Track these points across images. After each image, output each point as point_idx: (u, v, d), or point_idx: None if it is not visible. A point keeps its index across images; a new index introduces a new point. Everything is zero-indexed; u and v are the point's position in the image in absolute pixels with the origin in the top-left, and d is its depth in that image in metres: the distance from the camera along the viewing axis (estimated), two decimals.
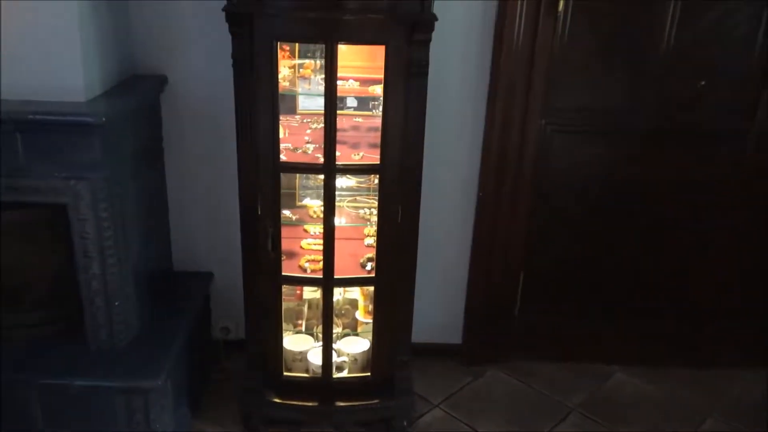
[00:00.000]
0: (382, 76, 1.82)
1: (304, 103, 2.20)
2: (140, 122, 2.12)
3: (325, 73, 1.78)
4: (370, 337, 2.15)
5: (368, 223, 2.21)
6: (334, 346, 2.16)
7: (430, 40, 1.80)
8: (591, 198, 2.46)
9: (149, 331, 2.12)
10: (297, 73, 2.05)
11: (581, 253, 2.54)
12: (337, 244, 1.97)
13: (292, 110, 2.21)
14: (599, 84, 2.31)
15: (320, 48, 1.93)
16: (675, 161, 2.41)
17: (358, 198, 2.27)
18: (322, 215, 1.97)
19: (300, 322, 2.33)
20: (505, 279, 2.52)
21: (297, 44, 2.03)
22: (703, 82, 2.30)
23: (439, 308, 2.56)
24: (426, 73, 1.83)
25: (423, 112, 1.88)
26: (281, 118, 1.89)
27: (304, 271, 2.08)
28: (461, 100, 2.30)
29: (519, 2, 2.13)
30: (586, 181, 2.45)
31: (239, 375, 2.28)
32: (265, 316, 2.08)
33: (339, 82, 1.82)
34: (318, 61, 2.01)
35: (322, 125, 1.84)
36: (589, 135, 2.39)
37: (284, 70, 2.00)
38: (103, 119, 1.77)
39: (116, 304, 1.99)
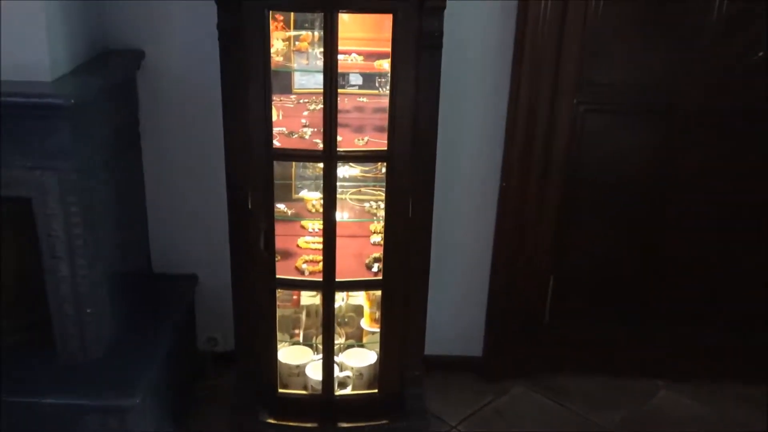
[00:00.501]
0: (389, 49, 1.79)
1: (300, 81, 2.19)
2: (114, 103, 2.10)
3: (325, 47, 1.76)
4: (378, 349, 2.14)
5: (374, 218, 2.21)
6: (336, 359, 2.15)
7: (444, 6, 1.77)
8: (631, 189, 2.43)
9: (126, 341, 2.10)
10: (292, 46, 2.03)
11: (620, 252, 2.50)
12: (339, 242, 1.95)
13: (287, 89, 2.20)
14: (640, 57, 2.28)
15: (319, 17, 1.90)
16: (729, 146, 2.37)
17: (362, 189, 2.26)
18: (321, 209, 1.95)
19: (297, 331, 2.32)
20: (532, 282, 2.50)
21: (292, 13, 2.01)
22: (761, 53, 2.25)
23: (456, 316, 2.56)
24: (440, 46, 1.81)
25: (437, 91, 1.85)
26: (274, 98, 1.87)
27: (302, 273, 2.07)
28: (481, 76, 2.27)
29: None
30: (626, 169, 2.41)
31: (229, 392, 2.27)
32: (258, 325, 2.07)
33: (340, 57, 1.80)
34: (316, 33, 2.00)
35: (321, 106, 1.82)
36: (629, 116, 2.36)
37: (278, 44, 1.99)
38: (72, 101, 1.75)
39: (88, 311, 1.97)
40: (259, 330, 2.07)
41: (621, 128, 2.38)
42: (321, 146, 1.87)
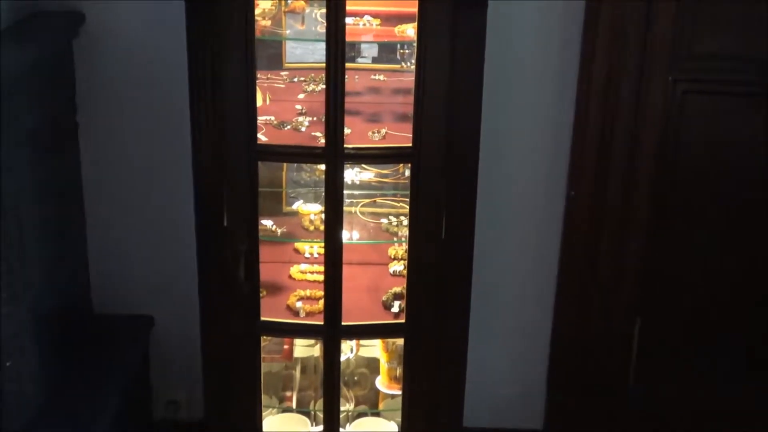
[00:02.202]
0: (415, 9, 1.80)
1: (294, 53, 2.21)
2: (43, 83, 2.11)
3: (328, 6, 1.77)
4: (399, 419, 2.14)
5: (395, 239, 2.21)
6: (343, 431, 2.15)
7: None
8: (749, 196, 2.42)
9: (58, 405, 2.10)
10: (284, 6, 2.05)
11: (736, 284, 2.48)
12: (346, 271, 1.96)
13: (277, 64, 2.21)
14: (761, 18, 2.28)
15: None
16: None
17: (379, 200, 2.27)
18: (322, 227, 1.96)
19: (289, 394, 2.32)
20: (611, 327, 2.49)
21: None
22: None
23: (507, 374, 2.55)
24: (484, 4, 1.82)
25: (480, 65, 1.87)
26: (260, 75, 1.89)
27: (296, 314, 2.08)
28: (540, 47, 2.28)
29: None
30: (740, 170, 2.40)
31: None
32: (235, 385, 2.07)
33: (349, 20, 1.81)
34: None
35: (323, 86, 1.83)
36: (745, 98, 2.36)
37: (264, 3, 2.00)
38: None
39: (6, 364, 1.97)
40: (237, 392, 2.08)
41: (733, 114, 2.37)
42: (322, 141, 1.88)
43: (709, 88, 2.36)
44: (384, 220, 2.24)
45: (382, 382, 2.27)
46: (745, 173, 2.43)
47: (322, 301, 2.00)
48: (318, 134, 1.94)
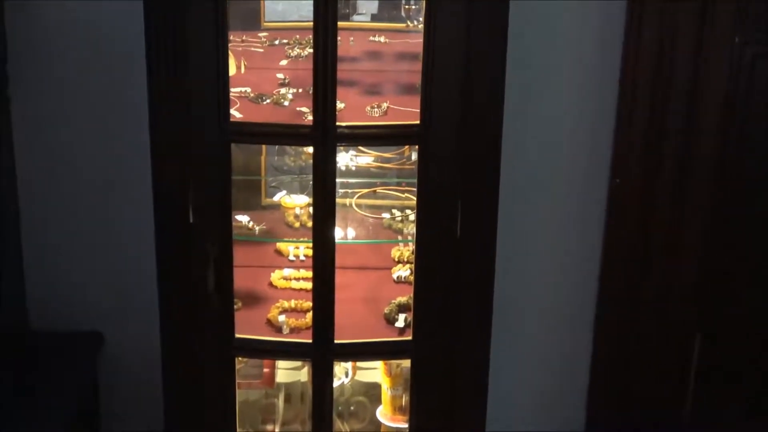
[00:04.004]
0: None
1: (274, 9, 2.22)
2: None
3: None
4: None
5: (399, 237, 2.21)
6: None
7: None
8: None
9: None
10: None
11: None
12: (340, 278, 1.94)
13: (254, 23, 2.22)
14: None
15: None
16: None
17: (379, 189, 2.28)
18: (310, 223, 1.96)
19: (271, 427, 2.33)
20: (663, 343, 2.48)
21: None
22: None
23: (537, 403, 2.58)
24: None
25: (503, 25, 1.84)
26: (233, 37, 1.88)
27: (278, 330, 2.06)
28: (584, 15, 2.31)
29: None
30: None
31: None
32: (205, 418, 2.06)
33: None
34: None
35: (310, 51, 1.83)
36: None
37: None
38: None
39: None
40: (206, 425, 2.07)
41: None
42: (310, 118, 1.86)
43: None
44: (386, 215, 2.24)
45: (384, 413, 2.26)
46: None
47: (310, 315, 2.00)
48: (304, 110, 1.93)
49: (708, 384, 2.56)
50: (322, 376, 2.01)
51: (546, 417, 2.59)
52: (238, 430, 2.09)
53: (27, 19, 2.27)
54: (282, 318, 2.06)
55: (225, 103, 1.85)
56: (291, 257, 2.24)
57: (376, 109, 1.97)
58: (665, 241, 2.44)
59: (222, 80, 1.84)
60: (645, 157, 2.37)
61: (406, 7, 2.08)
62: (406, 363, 2.09)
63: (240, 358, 2.07)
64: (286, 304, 2.11)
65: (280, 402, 2.34)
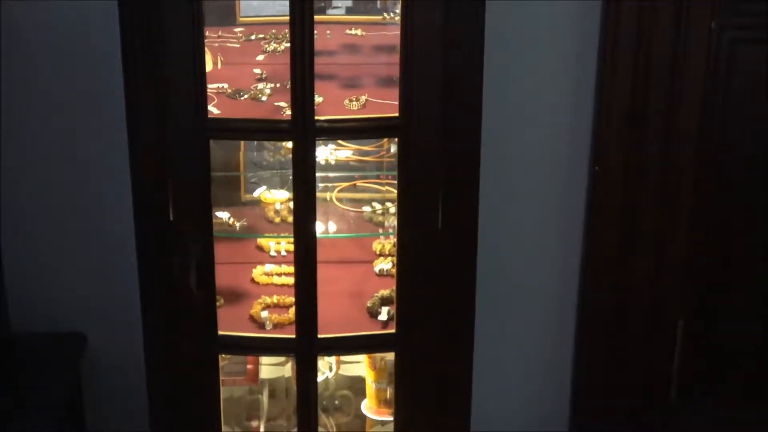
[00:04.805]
0: None
1: (250, 5, 2.23)
2: None
3: None
4: None
5: (381, 230, 2.22)
6: None
7: None
8: None
9: None
10: None
11: None
12: (322, 272, 1.95)
13: (230, 18, 2.22)
14: None
15: None
16: None
17: (359, 183, 2.28)
18: (291, 218, 1.96)
19: (256, 423, 2.34)
20: (647, 332, 2.50)
21: None
22: None
23: (521, 391, 2.58)
24: None
25: (481, 13, 1.85)
26: (209, 33, 1.89)
27: (261, 326, 2.07)
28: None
29: None
30: None
31: None
32: (189, 415, 2.07)
33: None
34: None
35: (287, 45, 1.83)
36: None
37: None
38: None
39: None
40: (191, 423, 2.08)
41: None
42: (288, 113, 1.87)
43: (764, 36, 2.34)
44: (367, 208, 2.25)
45: (369, 407, 2.28)
46: None
47: (293, 310, 2.00)
48: (283, 104, 1.94)
49: (693, 375, 2.57)
50: (306, 371, 2.02)
51: (530, 402, 2.61)
52: (223, 427, 2.09)
53: (7, 20, 2.27)
54: (265, 314, 2.07)
55: (202, 99, 1.85)
56: (272, 253, 2.24)
57: (354, 103, 1.97)
58: (648, 228, 2.44)
59: (199, 76, 1.84)
60: (625, 145, 2.37)
61: (383, 0, 2.11)
62: (390, 356, 2.10)
63: (223, 356, 2.08)
64: (268, 300, 2.12)
65: (265, 398, 2.34)
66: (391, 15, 2.04)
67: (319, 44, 1.81)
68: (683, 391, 2.58)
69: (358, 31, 2.15)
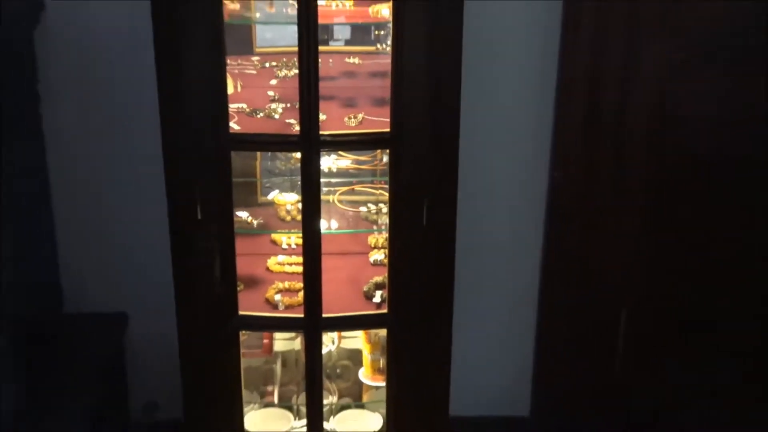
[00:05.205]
0: None
1: (264, 37, 2.21)
2: (4, 73, 2.09)
3: None
4: (383, 411, 2.14)
5: (375, 227, 2.21)
6: (327, 425, 2.14)
7: None
8: (752, 175, 2.33)
9: (27, 416, 2.06)
10: None
11: (737, 268, 2.42)
12: (325, 262, 1.94)
13: (247, 48, 2.21)
14: None
15: None
16: None
17: (357, 187, 2.27)
18: (299, 217, 1.96)
19: (270, 389, 2.32)
20: (597, 315, 2.47)
21: None
22: None
23: (493, 363, 2.57)
24: None
25: (458, 43, 1.83)
26: (230, 61, 1.86)
27: (275, 307, 2.05)
28: (521, 18, 2.29)
29: None
30: (744, 146, 2.31)
31: None
32: (215, 382, 2.05)
33: (321, 1, 1.82)
34: None
35: (296, 71, 1.81)
36: (744, 69, 2.25)
37: None
38: None
39: None
40: (217, 389, 2.06)
41: (735, 89, 2.26)
42: (297, 128, 1.86)
43: (704, 60, 2.27)
44: (363, 208, 2.24)
45: (365, 374, 2.27)
46: (748, 150, 2.34)
47: (301, 293, 1.99)
48: (292, 121, 1.93)
49: (636, 344, 2.52)
50: (312, 345, 2.02)
51: (501, 369, 2.60)
52: (243, 392, 2.09)
53: (53, 45, 2.26)
54: (278, 297, 2.07)
55: (225, 117, 1.86)
56: (284, 246, 2.23)
57: (352, 120, 1.97)
58: (600, 225, 2.41)
59: (221, 98, 1.84)
60: (582, 151, 2.34)
61: (376, 32, 2.07)
62: (383, 332, 2.09)
63: (243, 332, 2.06)
64: (280, 286, 2.11)
65: (278, 367, 2.34)
66: (384, 46, 2.02)
67: (322, 71, 1.81)
68: (627, 367, 2.53)
69: (356, 60, 2.15)
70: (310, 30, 1.76)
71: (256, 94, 2.11)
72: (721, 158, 2.35)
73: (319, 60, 1.78)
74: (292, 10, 1.79)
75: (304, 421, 2.12)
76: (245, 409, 2.12)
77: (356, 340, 2.32)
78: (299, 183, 1.91)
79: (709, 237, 2.42)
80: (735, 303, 2.46)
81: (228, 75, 1.85)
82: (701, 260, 2.43)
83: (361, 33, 2.10)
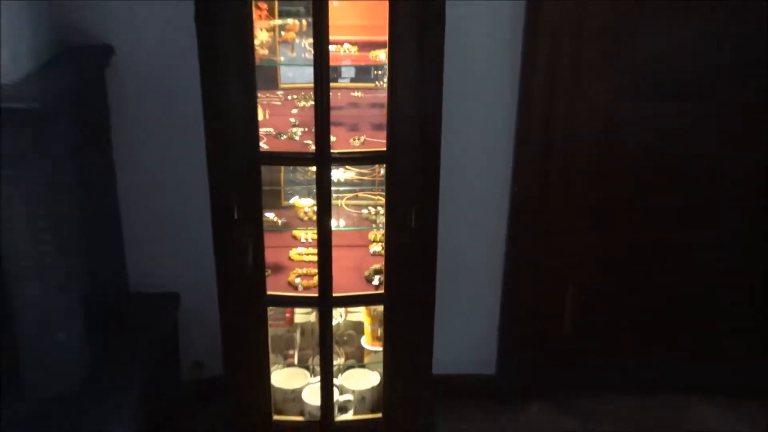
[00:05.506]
0: (385, 38, 1.79)
1: (287, 75, 2.20)
2: (82, 106, 2.10)
3: (314, 36, 1.75)
4: (381, 370, 2.14)
5: (374, 225, 2.20)
6: (336, 381, 2.15)
7: None
8: (672, 186, 2.40)
9: (101, 372, 2.09)
10: (278, 37, 2.03)
11: (655, 260, 2.49)
12: (335, 253, 1.95)
13: (274, 84, 2.20)
14: (683, 31, 2.22)
15: (305, 4, 1.92)
16: None
17: (360, 194, 2.26)
18: (314, 217, 1.95)
19: (291, 352, 2.32)
20: (549, 294, 2.50)
21: (276, 0, 2.02)
22: None
23: (466, 331, 2.56)
24: (443, 30, 1.81)
25: (440, 81, 1.85)
26: (259, 94, 1.87)
27: (295, 288, 2.07)
28: (490, 62, 2.28)
29: None
30: (668, 165, 2.36)
31: (218, 421, 2.26)
32: (248, 347, 2.06)
33: (332, 47, 1.80)
34: (304, 21, 2.00)
35: (312, 103, 1.82)
36: (667, 102, 2.30)
37: (261, 34, 1.98)
38: (36, 105, 1.75)
39: (59, 338, 1.96)
40: (249, 352, 2.07)
41: (659, 117, 2.31)
42: (312, 147, 1.86)
43: (635, 94, 2.31)
44: (365, 211, 2.23)
45: (366, 341, 2.27)
46: (673, 165, 2.38)
47: (316, 278, 2.00)
48: (309, 142, 1.93)
49: (580, 315, 2.57)
50: (325, 318, 2.02)
51: (473, 336, 2.58)
52: (270, 354, 2.10)
53: (121, 82, 2.26)
54: (297, 280, 2.08)
55: (256, 138, 1.87)
56: (303, 240, 2.24)
57: (356, 141, 1.98)
58: (552, 224, 2.43)
59: (253, 124, 1.85)
60: (538, 169, 2.34)
61: (375, 72, 2.07)
62: (380, 308, 2.10)
63: (270, 308, 2.07)
64: (300, 271, 2.12)
65: (298, 336, 2.33)
66: (381, 83, 2.03)
67: (333, 102, 1.81)
68: (573, 332, 2.59)
69: (359, 93, 2.14)
70: (323, 70, 1.77)
71: (280, 120, 2.10)
72: (648, 171, 2.39)
73: (330, 93, 1.79)
74: (309, 55, 1.81)
75: (318, 378, 2.12)
76: (272, 368, 2.13)
77: (359, 314, 2.31)
78: (314, 190, 1.91)
79: (636, 233, 2.48)
80: (652, 279, 2.52)
81: (258, 105, 1.86)
82: (630, 250, 2.50)
83: (363, 73, 2.09)
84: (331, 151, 1.86)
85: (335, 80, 2.03)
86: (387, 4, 1.75)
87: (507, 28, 2.24)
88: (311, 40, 1.77)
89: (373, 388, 2.19)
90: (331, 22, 1.74)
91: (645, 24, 2.22)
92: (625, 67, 2.26)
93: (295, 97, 2.19)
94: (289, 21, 2.02)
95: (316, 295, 2.00)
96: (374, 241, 2.22)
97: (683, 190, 2.41)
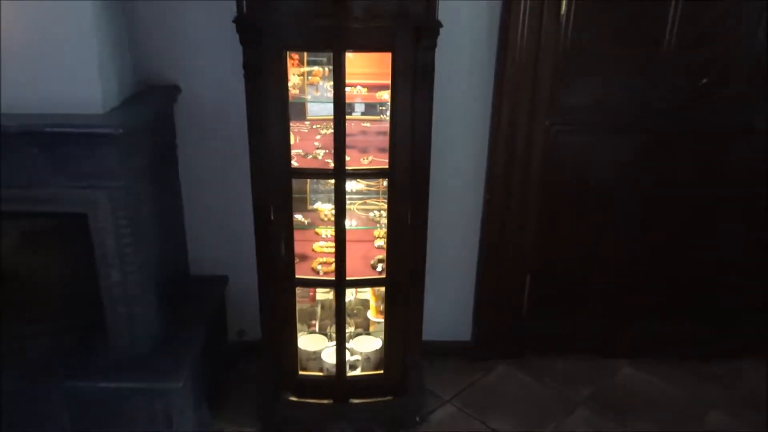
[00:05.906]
0: (389, 82, 1.80)
1: (313, 109, 2.20)
2: (155, 131, 2.11)
3: (334, 80, 1.76)
4: (382, 336, 2.14)
5: (378, 225, 2.20)
6: (347, 345, 2.15)
7: (435, 45, 1.78)
8: (600, 198, 2.41)
9: (168, 335, 2.10)
10: (306, 80, 2.03)
11: (590, 252, 2.49)
12: (348, 246, 1.96)
13: (302, 116, 2.20)
14: (605, 83, 2.27)
15: (328, 55, 1.92)
16: (684, 160, 2.35)
17: (368, 201, 2.26)
18: (333, 218, 1.96)
19: (314, 322, 2.32)
20: (512, 278, 2.49)
21: (305, 53, 2.02)
22: (705, 80, 2.25)
23: (448, 307, 2.54)
24: (432, 78, 1.81)
25: (429, 116, 1.86)
26: (291, 124, 1.87)
27: (317, 273, 2.07)
28: (467, 102, 2.27)
29: (522, 4, 2.09)
30: (595, 181, 2.39)
31: (256, 375, 2.27)
32: (280, 318, 2.06)
33: (347, 89, 1.81)
34: (326, 68, 2.00)
35: (332, 131, 1.82)
36: (595, 135, 2.35)
37: (293, 78, 1.99)
38: (121, 131, 1.77)
39: (137, 310, 1.98)
40: (281, 322, 2.08)
41: (588, 146, 2.36)
42: (332, 165, 1.87)
43: (572, 130, 2.34)
44: (371, 214, 2.24)
45: (371, 314, 2.27)
46: (597, 180, 2.40)
47: (333, 265, 2.00)
48: (329, 161, 1.94)
49: (536, 296, 2.55)
50: (339, 296, 2.04)
51: (453, 311, 2.54)
52: (297, 323, 2.10)
53: (186, 114, 2.26)
54: (319, 267, 2.09)
55: (288, 157, 1.87)
56: (323, 236, 2.23)
57: (365, 160, 2.00)
58: (513, 226, 2.42)
59: (287, 146, 1.86)
60: (503, 183, 2.33)
61: (380, 108, 2.08)
62: (382, 289, 2.10)
63: (298, 288, 2.07)
64: (321, 260, 2.12)
65: (318, 309, 2.33)
66: (385, 117, 2.03)
67: (347, 130, 1.82)
68: (530, 309, 2.58)
69: (368, 124, 2.14)
70: (341, 106, 1.79)
71: (307, 144, 2.11)
72: (581, 184, 2.40)
73: (345, 124, 1.81)
74: (330, 94, 1.82)
75: (334, 342, 2.13)
76: (298, 335, 2.13)
77: (366, 293, 2.31)
78: (333, 198, 1.92)
79: (581, 231, 2.48)
80: (592, 266, 2.51)
81: (291, 132, 1.88)
82: (574, 245, 2.50)
83: (371, 108, 2.10)
84: (346, 167, 1.87)
85: (350, 113, 2.04)
86: (389, 56, 1.77)
87: (482, 79, 2.25)
88: (332, 83, 1.78)
89: (376, 350, 2.19)
90: (347, 69, 1.76)
91: (582, 76, 2.26)
92: (564, 108, 2.29)
93: (318, 126, 2.20)
94: (315, 68, 2.03)
95: (333, 278, 2.00)
96: (378, 237, 2.22)
97: (605, 198, 2.42)
